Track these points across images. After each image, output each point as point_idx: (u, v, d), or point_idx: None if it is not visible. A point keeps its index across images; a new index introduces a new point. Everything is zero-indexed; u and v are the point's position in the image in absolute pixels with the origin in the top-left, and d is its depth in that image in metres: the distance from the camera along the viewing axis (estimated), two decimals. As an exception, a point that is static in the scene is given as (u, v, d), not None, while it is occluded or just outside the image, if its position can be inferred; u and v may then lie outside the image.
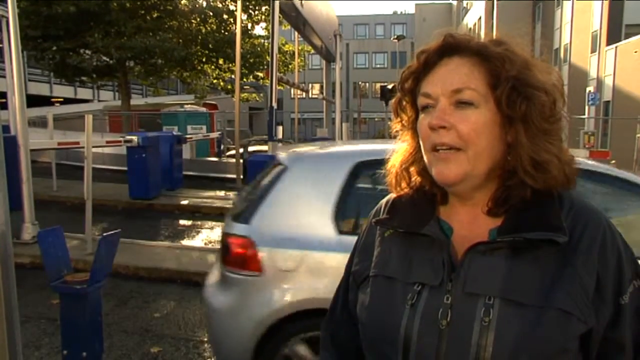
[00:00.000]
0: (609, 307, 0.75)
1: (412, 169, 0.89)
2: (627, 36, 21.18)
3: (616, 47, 21.53)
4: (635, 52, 19.67)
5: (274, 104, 5.31)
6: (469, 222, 0.82)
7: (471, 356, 0.72)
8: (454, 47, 0.80)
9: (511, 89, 0.76)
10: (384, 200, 0.95)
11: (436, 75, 0.80)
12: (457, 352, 0.73)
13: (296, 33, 9.66)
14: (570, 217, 0.77)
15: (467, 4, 43.52)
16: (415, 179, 0.89)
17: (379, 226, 0.91)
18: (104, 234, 2.67)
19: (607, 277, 0.75)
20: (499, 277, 0.74)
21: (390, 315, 0.80)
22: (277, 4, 5.36)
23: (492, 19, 13.22)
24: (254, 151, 8.57)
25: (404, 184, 0.90)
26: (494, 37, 0.82)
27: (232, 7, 16.54)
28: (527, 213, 0.78)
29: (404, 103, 0.87)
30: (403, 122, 0.89)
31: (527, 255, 0.75)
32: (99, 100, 32.95)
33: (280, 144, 5.43)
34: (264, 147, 5.15)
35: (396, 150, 0.92)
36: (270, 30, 5.50)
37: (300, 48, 14.05)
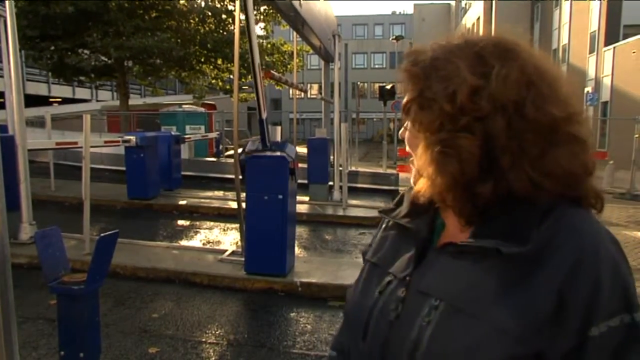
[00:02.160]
0: (570, 335, 0.67)
1: None
2: (626, 37, 21.22)
3: (614, 47, 21.57)
4: (634, 52, 19.71)
5: (263, 116, 4.92)
6: (459, 222, 0.82)
7: (405, 351, 0.73)
8: None
9: (412, 101, 0.79)
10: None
11: None
12: (397, 345, 0.75)
13: (295, 33, 9.65)
14: (550, 230, 0.70)
15: (465, 4, 43.55)
16: None
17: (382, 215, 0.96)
18: (102, 234, 2.67)
19: (572, 302, 0.67)
20: (452, 281, 0.74)
21: (364, 298, 0.84)
22: None
23: (491, 19, 13.25)
24: (252, 151, 8.55)
25: None
26: (414, 47, 0.82)
27: (230, 7, 16.53)
28: (498, 219, 0.74)
29: None
30: None
31: (489, 262, 0.71)
32: (97, 100, 32.94)
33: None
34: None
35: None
36: (246, 29, 4.99)
37: (299, 48, 14.03)
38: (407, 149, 0.85)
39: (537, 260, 0.69)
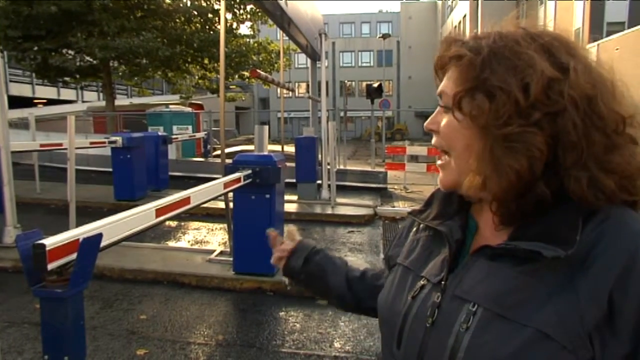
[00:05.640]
0: (623, 341, 0.64)
1: None
2: (609, 34, 21.54)
3: (598, 44, 21.82)
4: (617, 49, 19.97)
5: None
6: (494, 222, 0.79)
7: (444, 358, 0.71)
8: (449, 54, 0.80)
9: (468, 90, 0.73)
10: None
11: None
12: (434, 352, 0.73)
13: (281, 32, 9.62)
14: (596, 232, 0.67)
15: (452, 2, 43.79)
16: None
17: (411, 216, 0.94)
18: (85, 236, 2.63)
19: (625, 308, 0.64)
20: (490, 285, 0.71)
21: (397, 303, 0.83)
22: None
23: (477, 16, 13.34)
24: (239, 151, 8.52)
25: None
26: (477, 34, 0.78)
27: (216, 6, 16.43)
28: (538, 221, 0.72)
29: None
30: None
31: (530, 266, 0.68)
32: (83, 101, 32.61)
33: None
34: (250, 147, 5.05)
35: None
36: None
37: (285, 47, 14.01)
38: (438, 143, 0.80)
39: (583, 264, 0.66)
